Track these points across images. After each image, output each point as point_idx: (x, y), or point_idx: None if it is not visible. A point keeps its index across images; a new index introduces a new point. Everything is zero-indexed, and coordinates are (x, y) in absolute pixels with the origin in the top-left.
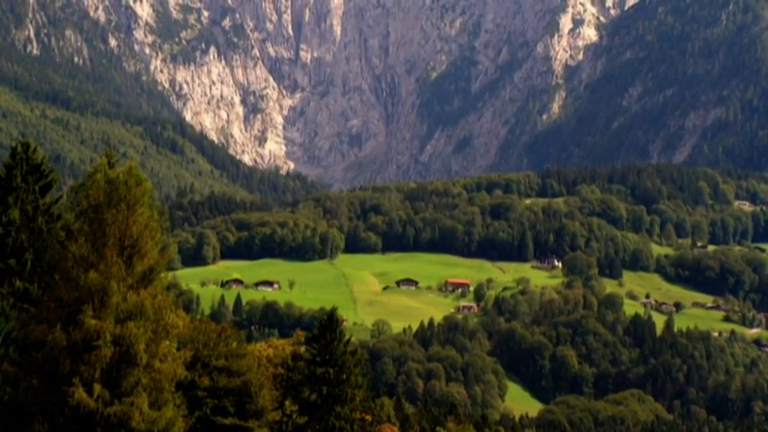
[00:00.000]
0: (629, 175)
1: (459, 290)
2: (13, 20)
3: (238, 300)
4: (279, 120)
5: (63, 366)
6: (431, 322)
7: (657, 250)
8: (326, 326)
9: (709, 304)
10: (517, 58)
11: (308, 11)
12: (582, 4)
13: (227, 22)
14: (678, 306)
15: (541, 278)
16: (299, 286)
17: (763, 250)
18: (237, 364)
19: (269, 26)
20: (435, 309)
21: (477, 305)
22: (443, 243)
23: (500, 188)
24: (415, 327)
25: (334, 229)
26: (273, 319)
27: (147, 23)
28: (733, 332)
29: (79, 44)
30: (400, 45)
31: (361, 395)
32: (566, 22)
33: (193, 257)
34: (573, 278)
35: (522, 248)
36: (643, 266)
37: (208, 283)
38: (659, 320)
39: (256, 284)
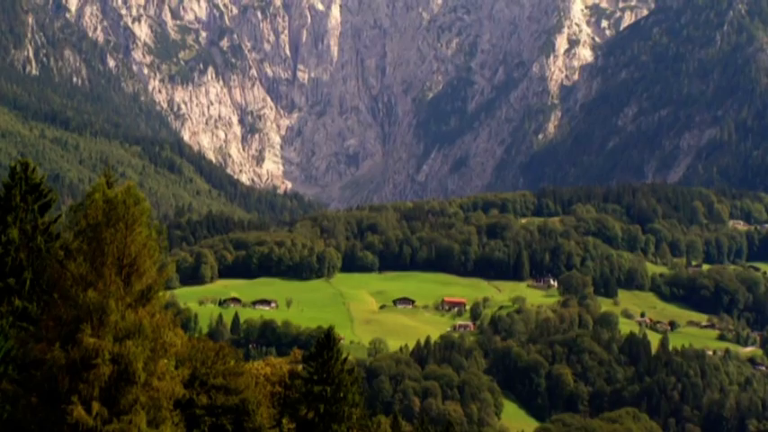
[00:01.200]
0: (624, 195)
1: (456, 309)
2: (12, 40)
3: (236, 318)
4: (276, 139)
5: (62, 384)
6: (427, 341)
7: (652, 269)
8: (324, 344)
9: (704, 323)
10: (513, 78)
11: (305, 31)
12: (577, 25)
13: (224, 43)
14: (673, 325)
15: (537, 297)
16: (297, 305)
17: (757, 269)
18: (235, 382)
19: (266, 47)
20: (432, 327)
21: (474, 324)
22: (440, 262)
23: (496, 208)
24: (411, 345)
25: (331, 249)
26: (271, 337)
27: (145, 44)
28: (728, 351)
29: (78, 64)
30: (397, 65)
31: (357, 413)
32: (561, 43)
33: (191, 276)
34: (568, 297)
35: (517, 268)
36: (638, 285)
37: (206, 301)
38: (654, 339)
39: (254, 303)
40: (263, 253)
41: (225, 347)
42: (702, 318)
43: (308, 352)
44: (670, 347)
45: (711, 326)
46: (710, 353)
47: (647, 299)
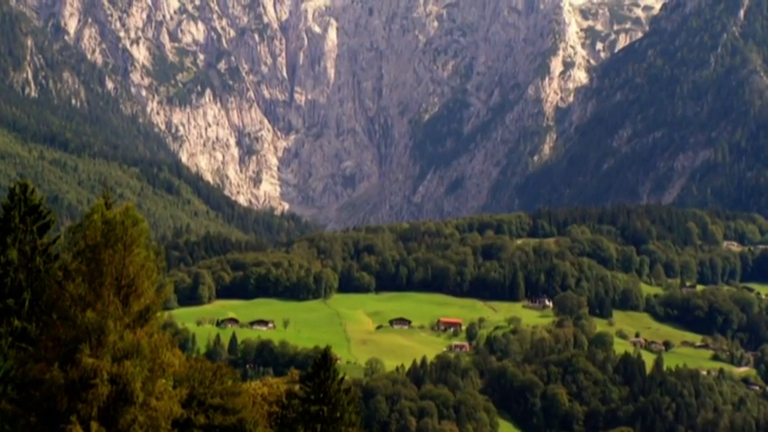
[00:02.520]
0: (619, 216)
1: (452, 329)
2: (11, 63)
3: (234, 339)
4: (273, 161)
5: (61, 404)
6: (423, 361)
7: (647, 290)
8: (320, 364)
9: (698, 343)
10: (509, 100)
11: (302, 54)
12: (572, 47)
13: (222, 65)
14: (667, 345)
15: (533, 317)
16: (294, 325)
17: (751, 290)
18: (233, 402)
19: (264, 69)
20: (428, 347)
21: (470, 344)
22: (436, 283)
23: (492, 229)
24: (407, 365)
25: (328, 269)
26: (268, 357)
27: (143, 66)
28: (721, 371)
29: (77, 86)
30: (393, 87)
31: None
32: (556, 65)
33: (189, 297)
34: (564, 317)
35: (513, 288)
36: (633, 306)
37: (204, 322)
38: (649, 359)
39: (251, 323)
40: (261, 274)
41: (222, 367)
42: (696, 338)
43: (305, 372)
44: (664, 367)
45: (705, 346)
46: (704, 373)
47: (642, 319)
